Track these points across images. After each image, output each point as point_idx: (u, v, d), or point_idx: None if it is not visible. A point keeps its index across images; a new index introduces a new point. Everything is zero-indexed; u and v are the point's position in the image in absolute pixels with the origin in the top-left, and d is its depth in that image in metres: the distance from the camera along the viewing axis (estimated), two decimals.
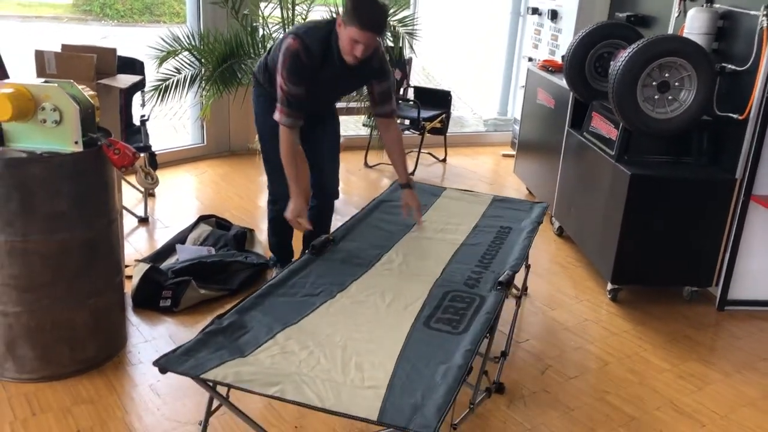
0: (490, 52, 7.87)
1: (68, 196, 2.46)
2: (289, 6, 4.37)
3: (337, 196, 3.39)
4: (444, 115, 5.65)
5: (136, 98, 4.28)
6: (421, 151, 5.62)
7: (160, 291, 3.20)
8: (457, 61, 10.23)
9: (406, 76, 5.88)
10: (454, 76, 10.16)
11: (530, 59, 5.59)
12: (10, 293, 2.48)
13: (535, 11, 5.60)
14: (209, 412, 2.22)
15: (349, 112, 5.69)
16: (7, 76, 2.72)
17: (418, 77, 10.72)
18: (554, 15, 5.28)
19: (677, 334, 3.27)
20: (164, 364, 2.02)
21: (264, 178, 4.85)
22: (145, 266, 3.29)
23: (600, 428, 2.55)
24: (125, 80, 3.58)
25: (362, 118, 5.51)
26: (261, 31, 4.41)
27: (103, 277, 2.69)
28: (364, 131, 5.68)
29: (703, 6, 3.54)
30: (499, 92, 7.22)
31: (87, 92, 2.57)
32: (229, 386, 2.03)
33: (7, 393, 2.53)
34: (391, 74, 2.98)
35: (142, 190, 4.30)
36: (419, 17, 5.69)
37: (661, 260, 3.46)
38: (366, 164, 5.61)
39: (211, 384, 2.05)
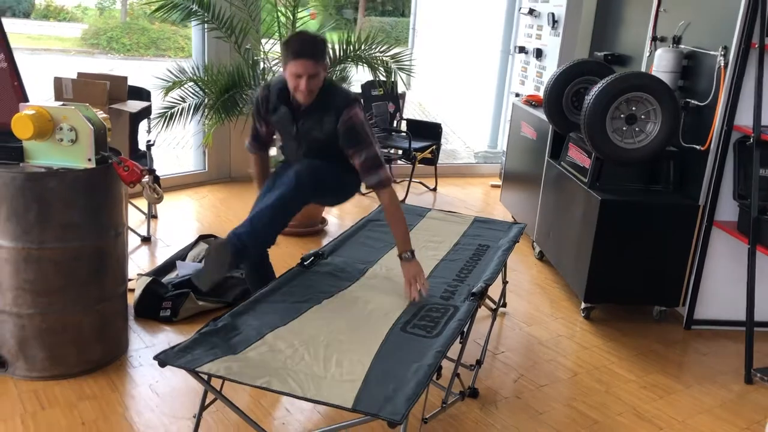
0: (481, 88, 8.20)
1: (81, 208, 2.71)
2: None
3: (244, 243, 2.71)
4: (434, 146, 5.93)
5: (143, 126, 4.56)
6: (413, 180, 5.89)
7: (161, 302, 3.42)
8: (451, 96, 10.58)
9: (399, 109, 6.18)
10: (448, 111, 10.51)
11: (517, 95, 5.88)
12: (25, 296, 2.71)
13: (522, 50, 5.91)
14: (203, 407, 2.42)
15: None
16: (27, 100, 2.98)
17: (414, 112, 11.08)
18: (539, 53, 5.59)
19: (645, 349, 3.48)
20: (163, 359, 2.23)
21: None
22: (147, 279, 3.52)
23: (565, 429, 2.76)
24: (135, 105, 3.87)
25: None
26: (261, 65, 4.70)
27: (109, 285, 2.92)
28: None
29: (670, 47, 3.83)
30: (489, 126, 7.52)
31: (100, 115, 2.83)
32: (222, 378, 2.24)
33: (18, 389, 2.75)
34: (368, 147, 2.75)
35: (146, 212, 4.56)
36: (415, 56, 5.99)
37: (631, 281, 3.69)
38: (359, 191, 5.85)
39: (205, 378, 2.27)
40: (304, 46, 2.66)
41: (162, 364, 2.21)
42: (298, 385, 2.17)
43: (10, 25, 3.04)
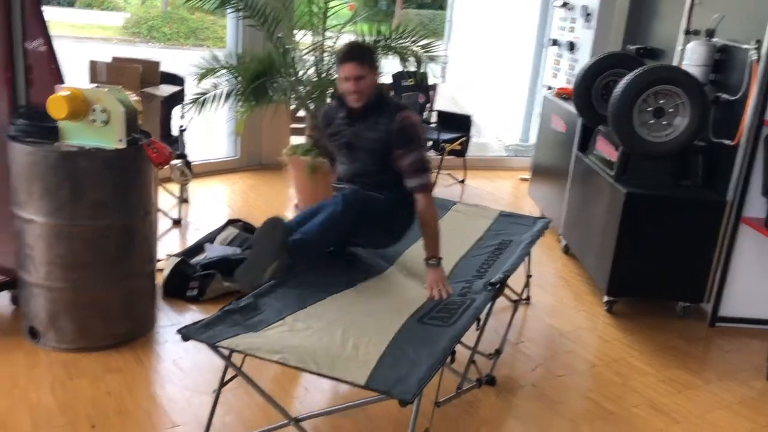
0: (515, 81, 8.17)
1: (111, 187, 2.80)
2: (320, 31, 4.72)
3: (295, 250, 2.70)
4: (464, 138, 5.93)
5: (177, 112, 4.66)
6: (441, 171, 5.90)
7: (188, 282, 3.51)
8: (485, 90, 10.53)
9: (429, 100, 6.20)
10: (481, 104, 10.47)
11: (549, 88, 5.85)
12: (56, 271, 2.82)
13: (555, 43, 5.87)
14: (222, 383, 2.48)
15: None
16: (63, 82, 3.08)
17: (446, 104, 11.05)
18: (572, 46, 5.54)
19: (666, 344, 3.46)
20: (186, 333, 2.31)
21: (291, 190, 5.20)
22: (176, 259, 3.62)
23: (579, 420, 2.77)
24: (166, 90, 3.97)
25: None
26: (293, 53, 4.76)
27: (137, 263, 3.01)
28: None
29: (702, 40, 3.79)
30: (521, 119, 7.50)
31: (132, 98, 2.91)
32: (241, 352, 2.30)
33: (48, 359, 2.86)
34: (417, 149, 2.81)
35: (178, 196, 4.67)
36: (451, 48, 5.99)
37: (655, 275, 3.66)
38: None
39: (225, 353, 2.34)
40: (350, 51, 2.85)
41: (185, 338, 2.29)
42: (313, 361, 2.22)
43: (55, 13, 3.15)
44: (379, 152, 2.84)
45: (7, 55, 2.96)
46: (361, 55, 2.81)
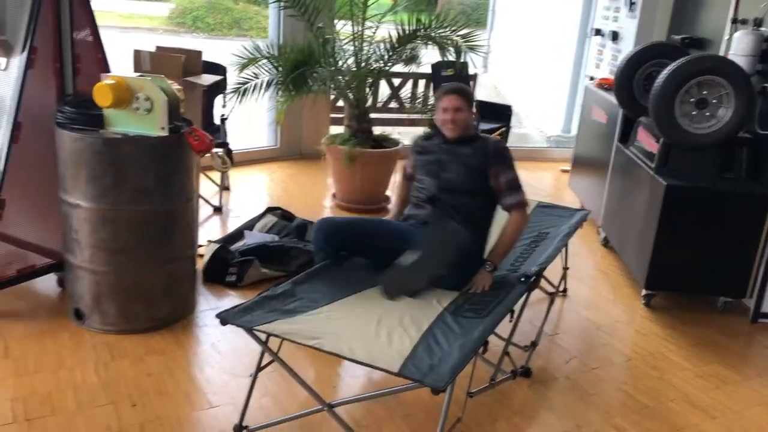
0: (558, 72, 8.06)
1: (154, 173, 2.87)
2: (360, 21, 4.74)
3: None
4: (504, 128, 5.89)
5: (218, 101, 4.74)
6: None
7: (227, 268, 3.59)
8: (527, 80, 10.43)
9: None
10: (523, 95, 10.37)
11: (591, 78, 5.77)
12: (100, 255, 2.91)
13: (598, 32, 5.79)
14: (259, 367, 2.54)
15: (412, 123, 6.04)
16: (108, 70, 3.17)
17: (488, 94, 10.98)
18: (615, 36, 5.47)
19: (705, 340, 3.41)
20: (225, 317, 2.37)
21: (329, 179, 5.25)
22: (216, 245, 3.70)
23: (613, 412, 2.76)
24: (208, 79, 4.04)
25: (424, 128, 5.81)
26: (332, 43, 4.79)
27: (178, 248, 3.09)
28: None
29: (750, 29, 3.69)
30: (563, 110, 7.41)
31: (175, 87, 2.97)
32: (277, 337, 2.35)
33: (93, 340, 2.96)
34: (513, 170, 2.96)
35: (219, 184, 4.76)
36: (493, 38, 5.92)
37: (695, 269, 3.60)
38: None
39: (262, 338, 2.39)
40: (451, 87, 3.06)
41: (223, 323, 2.35)
42: (348, 348, 2.26)
43: (102, 3, 3.25)
44: (474, 168, 2.93)
45: (55, 45, 3.05)
46: (461, 90, 3.04)
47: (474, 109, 3.07)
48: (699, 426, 2.71)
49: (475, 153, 2.95)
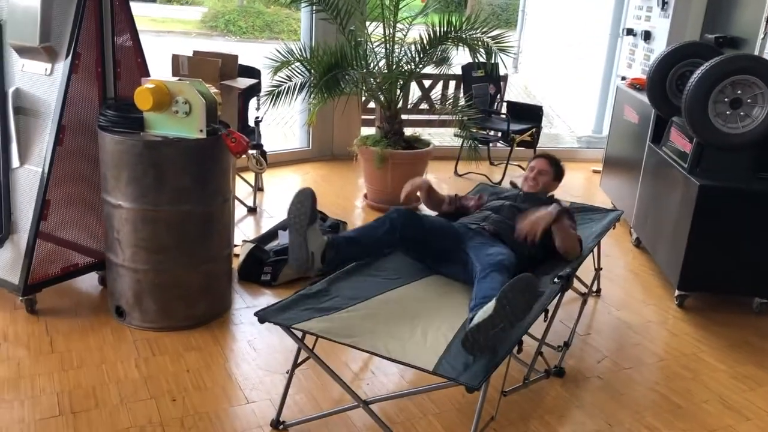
0: (589, 72, 8.03)
1: (192, 175, 2.95)
2: (391, 23, 4.79)
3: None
4: (534, 129, 5.90)
5: (252, 103, 4.82)
6: (510, 162, 5.89)
7: (262, 267, 3.66)
8: (558, 80, 10.39)
9: (500, 91, 6.18)
10: (554, 95, 10.34)
11: (623, 78, 5.74)
12: (141, 253, 3.00)
13: (630, 32, 5.77)
14: (295, 363, 2.59)
15: (442, 124, 6.07)
16: (148, 75, 3.26)
17: (519, 95, 10.97)
18: (647, 36, 5.44)
19: (739, 341, 3.39)
20: (263, 315, 2.43)
21: (361, 180, 5.30)
22: (251, 245, 3.77)
23: (645, 412, 2.76)
24: (244, 82, 4.12)
25: (454, 129, 5.84)
26: (364, 46, 4.85)
27: (215, 247, 3.17)
28: (456, 142, 6.01)
29: None
30: (594, 111, 7.38)
31: (212, 90, 3.05)
32: (314, 335, 2.41)
33: (133, 337, 3.05)
34: (574, 223, 3.19)
35: (253, 185, 4.85)
36: (524, 39, 5.93)
37: (729, 270, 3.58)
38: (456, 173, 5.95)
39: (299, 335, 2.44)
40: (545, 155, 3.46)
41: (261, 320, 2.41)
42: (384, 346, 2.31)
43: (137, 8, 3.33)
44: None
45: (98, 50, 3.14)
46: (553, 159, 3.42)
47: (558, 183, 3.41)
48: (733, 427, 2.71)
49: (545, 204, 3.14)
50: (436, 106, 5.94)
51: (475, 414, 2.20)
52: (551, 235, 3.04)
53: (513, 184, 3.62)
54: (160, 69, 3.37)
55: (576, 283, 3.37)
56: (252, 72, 4.72)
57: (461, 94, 6.03)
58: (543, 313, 2.66)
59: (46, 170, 3.05)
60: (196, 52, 4.15)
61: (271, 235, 4.16)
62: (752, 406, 2.86)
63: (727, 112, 3.44)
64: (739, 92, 3.41)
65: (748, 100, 3.41)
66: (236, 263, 3.67)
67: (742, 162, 3.61)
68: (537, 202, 3.21)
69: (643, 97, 4.56)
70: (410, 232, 2.84)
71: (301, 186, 5.37)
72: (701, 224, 3.50)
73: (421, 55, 4.80)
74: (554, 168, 3.37)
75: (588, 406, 2.78)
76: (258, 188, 5.01)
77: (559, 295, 2.80)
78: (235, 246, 3.70)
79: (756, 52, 4.02)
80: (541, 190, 3.33)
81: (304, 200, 2.56)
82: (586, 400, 2.82)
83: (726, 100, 3.42)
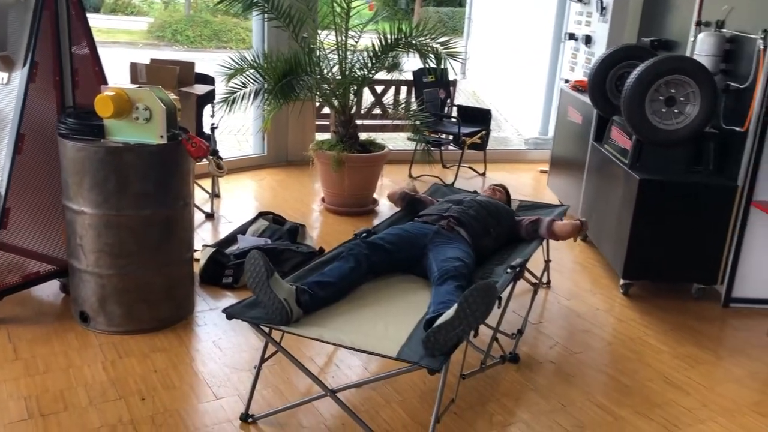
0: (534, 76, 8.29)
1: (154, 179, 3.01)
2: (343, 30, 4.91)
3: None
4: (484, 132, 6.09)
5: (207, 111, 4.88)
6: (462, 165, 6.07)
7: (223, 270, 3.73)
8: (505, 85, 10.66)
9: (450, 96, 6.37)
10: (501, 99, 10.61)
11: (566, 81, 5.98)
12: (104, 258, 3.04)
13: (572, 37, 6.01)
14: (263, 359, 2.68)
15: (396, 128, 6.21)
16: (106, 83, 3.30)
17: (468, 100, 11.21)
18: (588, 40, 5.68)
19: (680, 324, 3.61)
20: (231, 312, 2.51)
21: (317, 184, 5.40)
22: (211, 249, 3.83)
23: (595, 392, 2.93)
24: (201, 89, 4.19)
25: (408, 133, 5.99)
26: (317, 52, 4.96)
27: (177, 250, 3.23)
28: (409, 145, 6.16)
29: (712, 31, 3.92)
30: (540, 113, 7.63)
31: (171, 97, 3.12)
32: (281, 331, 2.50)
33: (99, 341, 3.08)
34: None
35: (210, 191, 4.90)
36: (471, 45, 6.10)
37: (669, 259, 3.80)
38: (410, 175, 6.09)
39: (266, 331, 2.53)
40: (499, 185, 3.94)
41: (229, 317, 2.49)
42: (348, 338, 2.42)
43: None
44: (507, 214, 3.52)
45: (55, 59, 3.18)
46: (505, 188, 3.93)
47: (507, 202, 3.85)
48: (675, 401, 2.90)
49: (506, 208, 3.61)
50: (389, 110, 6.08)
51: (437, 397, 2.33)
52: (509, 230, 3.37)
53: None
54: (110, 78, 3.41)
55: (527, 275, 3.55)
56: (206, 79, 4.78)
57: (413, 99, 6.19)
58: (497, 301, 2.81)
59: (5, 179, 3.07)
60: (153, 60, 4.20)
61: (231, 239, 4.22)
62: (692, 382, 3.06)
63: (663, 110, 3.66)
64: (672, 91, 3.64)
65: (681, 98, 3.64)
66: (197, 267, 3.73)
67: (678, 157, 3.84)
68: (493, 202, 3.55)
69: (586, 99, 4.78)
70: (376, 259, 2.92)
71: (257, 191, 5.48)
72: (642, 217, 3.71)
73: (373, 61, 4.93)
74: (506, 193, 3.91)
75: (542, 388, 2.94)
76: (215, 195, 5.06)
77: (511, 284, 2.96)
78: (195, 251, 3.75)
79: (687, 54, 4.26)
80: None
81: (255, 261, 2.47)
82: (540, 383, 2.98)
83: (661, 98, 3.65)
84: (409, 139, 6.10)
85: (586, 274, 4.22)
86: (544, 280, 3.92)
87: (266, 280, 2.45)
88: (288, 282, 2.59)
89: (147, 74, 3.83)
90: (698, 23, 4.16)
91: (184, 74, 4.12)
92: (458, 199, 3.46)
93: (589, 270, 4.29)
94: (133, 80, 3.89)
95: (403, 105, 5.79)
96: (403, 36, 4.86)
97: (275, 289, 2.45)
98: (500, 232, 3.35)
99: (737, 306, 3.82)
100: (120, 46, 14.22)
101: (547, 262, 3.89)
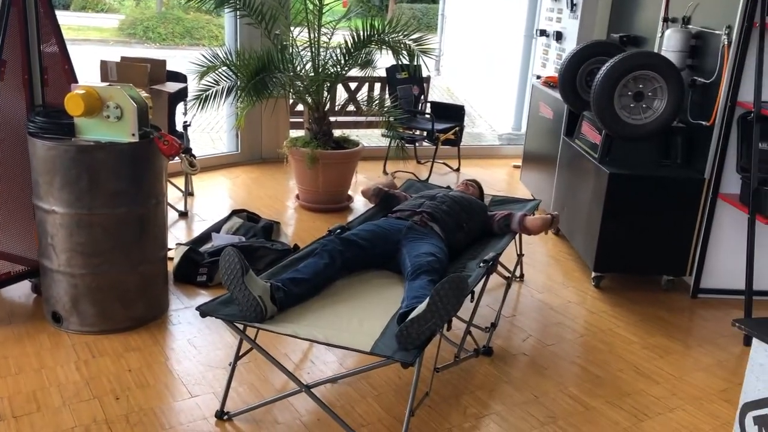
0: (507, 72, 8.36)
1: (126, 178, 3.00)
2: (315, 27, 4.91)
3: None
4: (457, 128, 6.14)
5: (180, 109, 4.85)
6: (436, 160, 6.11)
7: (198, 268, 3.72)
8: (479, 81, 10.73)
9: (423, 92, 6.40)
10: (475, 95, 10.68)
11: (538, 77, 6.04)
12: (77, 258, 3.02)
13: (543, 33, 6.07)
14: (237, 356, 2.68)
15: (369, 125, 6.23)
16: (76, 81, 3.28)
17: (442, 96, 11.26)
18: (559, 36, 5.74)
19: (650, 315, 3.68)
20: (205, 310, 2.51)
21: (292, 182, 5.41)
22: (185, 248, 3.82)
23: (568, 383, 2.98)
24: (173, 86, 4.17)
25: (382, 130, 6.01)
26: (290, 49, 4.96)
27: (151, 249, 3.21)
28: (384, 142, 6.19)
29: (679, 27, 3.99)
30: (513, 109, 7.70)
31: (142, 95, 3.10)
32: (256, 328, 2.50)
33: (72, 341, 3.06)
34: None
35: (183, 189, 4.87)
36: (444, 42, 6.11)
37: (639, 251, 3.87)
38: (385, 172, 6.12)
39: (241, 328, 2.54)
40: (471, 180, 4.00)
41: (203, 315, 2.50)
42: (322, 334, 2.43)
43: None
44: (480, 209, 3.53)
45: (24, 57, 3.15)
46: (478, 183, 3.97)
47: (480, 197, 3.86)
48: (645, 391, 2.96)
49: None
50: (363, 107, 6.10)
51: (411, 391, 2.36)
52: (482, 225, 3.43)
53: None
54: (81, 76, 3.38)
55: (501, 269, 3.60)
56: (178, 77, 4.75)
57: (387, 96, 6.21)
58: (470, 295, 2.85)
59: None
60: (123, 58, 4.17)
61: (205, 237, 4.21)
62: (661, 371, 3.13)
63: (631, 105, 3.72)
64: (641, 86, 3.70)
65: (649, 94, 3.70)
66: (171, 266, 3.72)
67: (647, 151, 3.91)
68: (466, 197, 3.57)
69: (557, 94, 4.83)
70: (350, 255, 2.93)
71: (231, 189, 5.46)
72: (612, 210, 3.78)
73: (347, 58, 4.94)
74: (479, 188, 3.96)
75: (516, 381, 2.98)
76: (188, 193, 5.03)
77: (484, 278, 2.99)
78: (169, 249, 3.74)
79: (655, 50, 4.33)
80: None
81: (230, 258, 2.48)
82: (513, 376, 3.02)
83: (630, 93, 3.71)
84: (383, 135, 6.14)
85: (558, 268, 4.28)
86: (518, 273, 3.97)
87: (241, 278, 2.45)
88: (263, 279, 2.59)
89: (118, 72, 3.80)
90: (665, 19, 4.24)
91: (156, 72, 4.09)
92: (432, 195, 3.48)
93: (562, 263, 4.35)
94: (104, 78, 3.86)
95: (377, 102, 5.80)
96: (376, 33, 4.88)
97: (250, 287, 2.45)
98: (473, 227, 3.38)
99: (705, 297, 3.90)
100: (90, 44, 14.05)
101: (520, 255, 3.94)
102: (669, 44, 3.92)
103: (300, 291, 2.67)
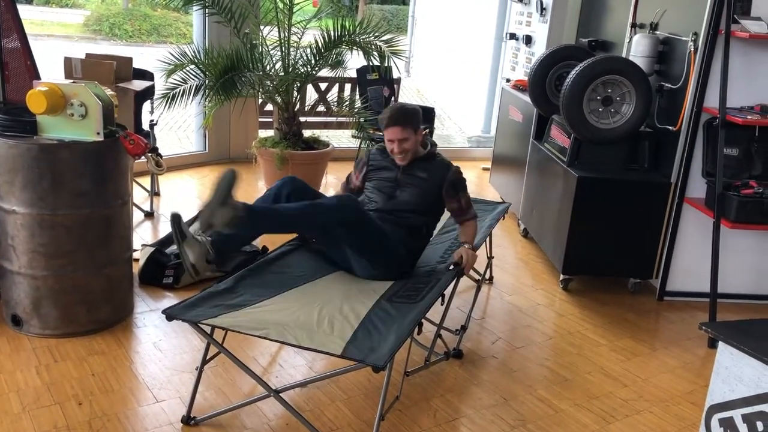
0: (476, 74, 8.40)
1: (90, 177, 2.93)
2: (286, 27, 4.87)
3: None
4: (427, 129, 6.12)
5: (146, 107, 4.77)
6: None
7: (163, 270, 3.65)
8: (448, 83, 10.77)
9: (394, 93, 6.38)
10: (445, 97, 10.71)
11: (508, 80, 6.07)
12: (39, 259, 2.94)
13: (513, 36, 6.11)
14: (204, 360, 2.64)
15: (340, 125, 6.20)
16: (39, 78, 3.20)
17: (412, 98, 11.27)
18: (528, 40, 5.78)
19: (618, 318, 3.71)
20: (171, 312, 2.47)
21: (261, 182, 5.35)
22: (151, 249, 3.75)
23: (537, 385, 2.99)
24: (139, 84, 4.10)
25: (352, 131, 5.99)
26: (260, 49, 4.91)
27: (116, 250, 3.15)
28: (354, 143, 6.16)
29: (647, 33, 4.04)
30: (483, 111, 7.73)
31: (108, 92, 3.04)
32: (224, 329, 2.47)
33: (32, 345, 2.98)
34: (467, 194, 3.21)
35: (149, 189, 4.79)
36: (414, 43, 6.12)
37: (607, 254, 3.91)
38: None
39: (208, 330, 2.50)
40: (392, 116, 3.03)
41: (169, 318, 2.45)
42: (293, 336, 2.40)
43: None
44: (429, 192, 3.11)
45: None
46: (402, 119, 3.02)
47: (422, 129, 3.11)
48: (613, 393, 2.99)
49: (431, 178, 3.10)
50: (333, 108, 6.06)
51: (381, 395, 2.34)
52: (441, 202, 3.18)
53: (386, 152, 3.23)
54: (44, 73, 3.30)
55: (470, 272, 3.59)
56: (145, 75, 4.67)
57: (357, 97, 6.18)
58: (440, 298, 2.85)
59: None
60: (88, 55, 4.08)
61: (171, 238, 4.13)
62: (629, 374, 3.16)
63: (600, 109, 3.76)
64: (609, 91, 3.74)
65: (618, 98, 3.74)
66: (136, 268, 3.64)
67: (615, 155, 3.95)
68: (420, 167, 3.12)
69: (526, 98, 4.86)
70: (291, 189, 3.01)
71: (198, 189, 5.38)
72: (580, 213, 3.81)
73: (317, 58, 4.91)
74: (409, 125, 3.02)
75: (485, 383, 2.98)
76: (154, 193, 4.95)
77: (454, 281, 2.99)
78: (135, 251, 3.67)
79: (623, 55, 4.38)
80: (414, 154, 3.10)
81: (173, 223, 2.76)
82: (483, 378, 3.02)
83: (598, 98, 3.74)
84: (353, 136, 6.11)
85: (527, 270, 4.30)
86: (487, 276, 3.98)
87: (181, 244, 2.73)
88: (203, 237, 2.82)
89: (82, 69, 3.71)
90: (633, 25, 4.28)
91: (122, 69, 4.01)
92: (378, 209, 3.15)
93: (531, 266, 4.38)
94: (68, 75, 3.77)
95: (347, 102, 5.77)
96: (346, 33, 4.85)
97: (186, 253, 2.72)
98: (432, 216, 3.23)
99: (671, 299, 3.96)
100: (54, 39, 13.76)
101: (490, 258, 3.95)
102: (637, 50, 3.96)
103: (240, 238, 2.98)
